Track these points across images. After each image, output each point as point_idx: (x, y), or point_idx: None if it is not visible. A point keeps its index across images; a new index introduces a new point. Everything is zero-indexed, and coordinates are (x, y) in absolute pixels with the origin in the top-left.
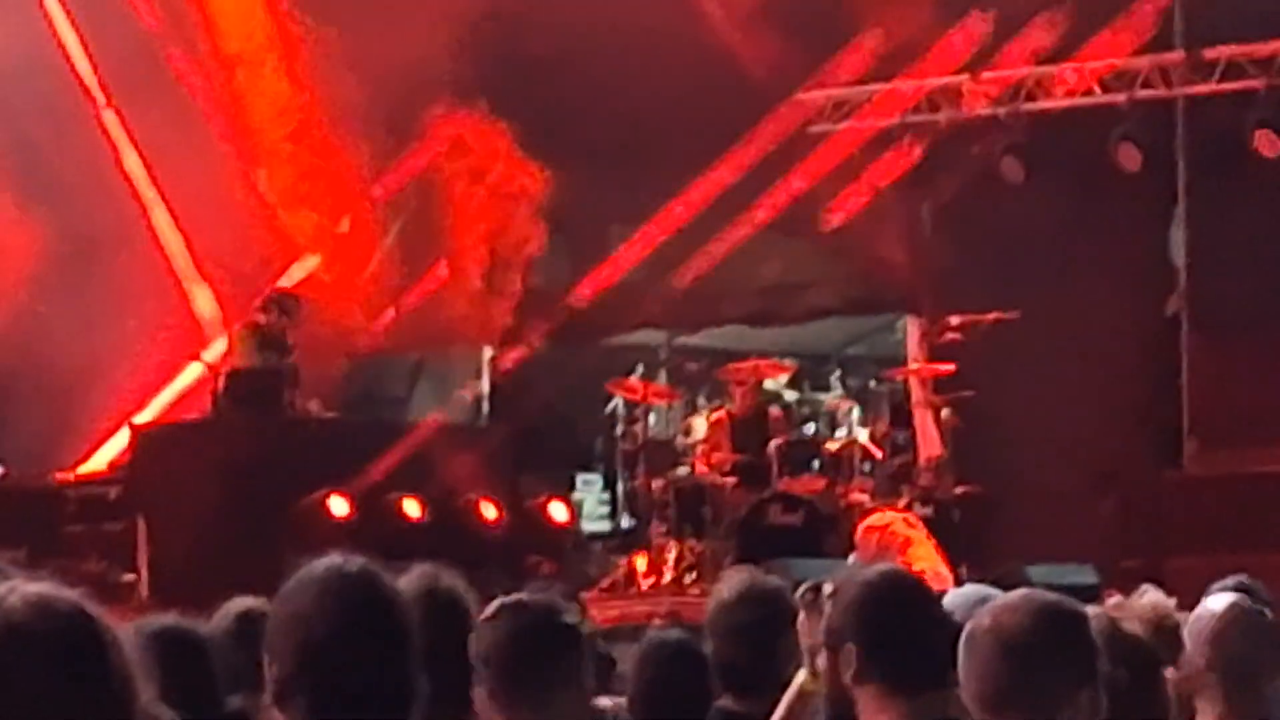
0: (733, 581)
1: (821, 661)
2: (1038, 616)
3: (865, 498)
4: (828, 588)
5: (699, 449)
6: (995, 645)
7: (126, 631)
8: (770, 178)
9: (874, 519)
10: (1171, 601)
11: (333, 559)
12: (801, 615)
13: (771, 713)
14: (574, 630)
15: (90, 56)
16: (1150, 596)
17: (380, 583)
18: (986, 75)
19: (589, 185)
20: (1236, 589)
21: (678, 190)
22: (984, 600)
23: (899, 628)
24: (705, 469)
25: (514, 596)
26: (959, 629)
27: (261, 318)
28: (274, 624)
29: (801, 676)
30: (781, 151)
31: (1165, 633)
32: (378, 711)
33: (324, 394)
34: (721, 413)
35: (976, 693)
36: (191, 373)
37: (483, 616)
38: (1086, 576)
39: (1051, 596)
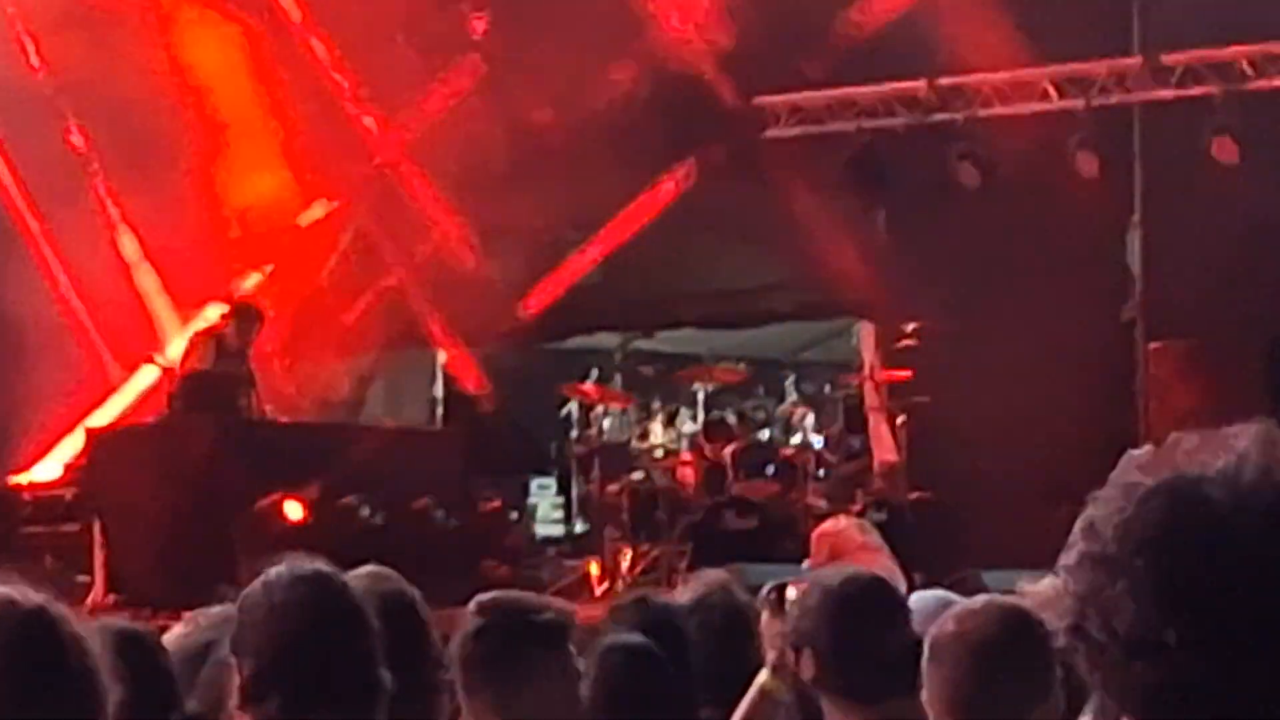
0: (693, 586)
1: (786, 661)
2: (1004, 622)
3: (820, 502)
4: (791, 590)
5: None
6: (963, 651)
7: (92, 632)
8: (726, 182)
9: (827, 524)
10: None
11: (297, 562)
12: (765, 616)
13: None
14: (560, 626)
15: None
16: (1048, 579)
17: (344, 584)
18: (943, 81)
19: (543, 189)
20: None
21: (633, 194)
22: (945, 605)
23: (860, 635)
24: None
25: (493, 595)
26: (919, 634)
27: (221, 325)
28: (242, 625)
29: (763, 677)
30: (738, 155)
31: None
32: (346, 708)
33: (278, 398)
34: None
35: (942, 699)
36: (147, 375)
37: (470, 612)
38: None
39: (1013, 602)
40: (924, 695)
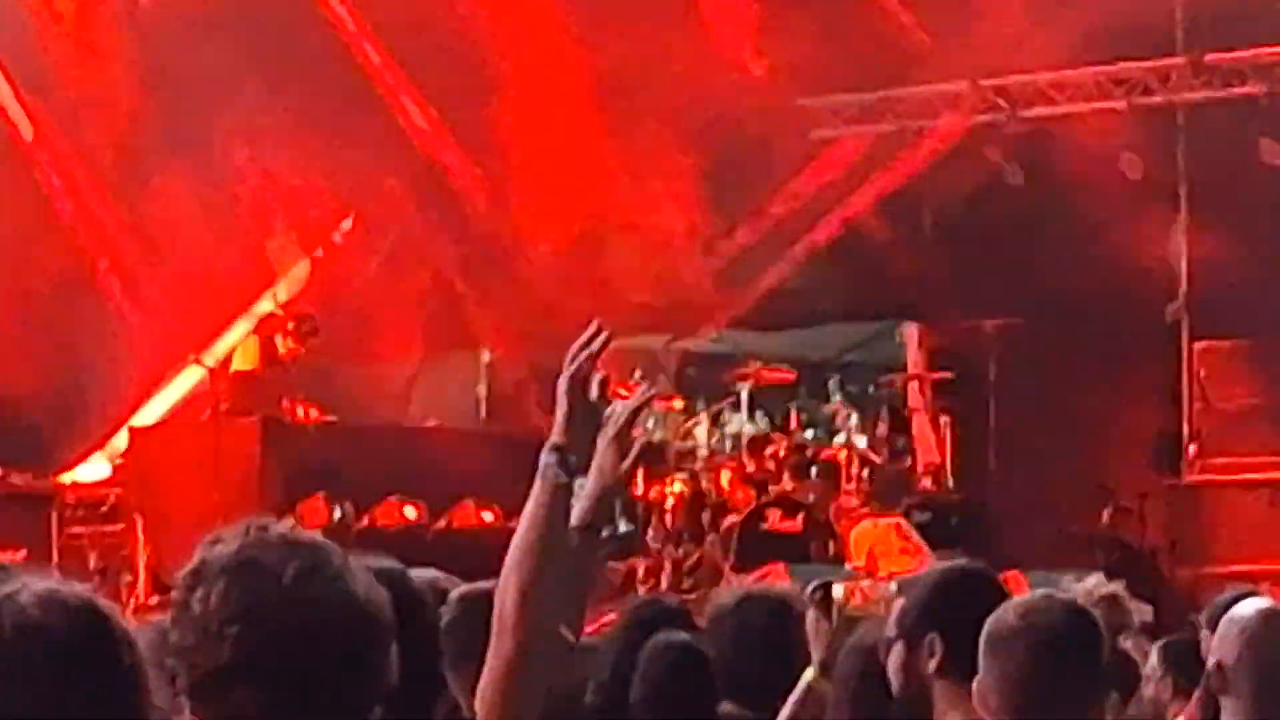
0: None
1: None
2: (1066, 617)
3: (863, 504)
4: (837, 589)
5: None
6: (1027, 644)
7: (141, 629)
8: (773, 183)
9: (866, 525)
10: (1114, 584)
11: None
12: (810, 614)
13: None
14: None
15: None
16: (1093, 578)
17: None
18: (988, 82)
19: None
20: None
21: (679, 195)
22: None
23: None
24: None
25: (472, 586)
26: None
27: (270, 325)
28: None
29: (809, 674)
30: (783, 157)
31: (1114, 604)
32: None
33: (322, 398)
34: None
35: (1002, 691)
36: (192, 375)
37: (450, 603)
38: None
39: (1072, 598)
40: (976, 687)
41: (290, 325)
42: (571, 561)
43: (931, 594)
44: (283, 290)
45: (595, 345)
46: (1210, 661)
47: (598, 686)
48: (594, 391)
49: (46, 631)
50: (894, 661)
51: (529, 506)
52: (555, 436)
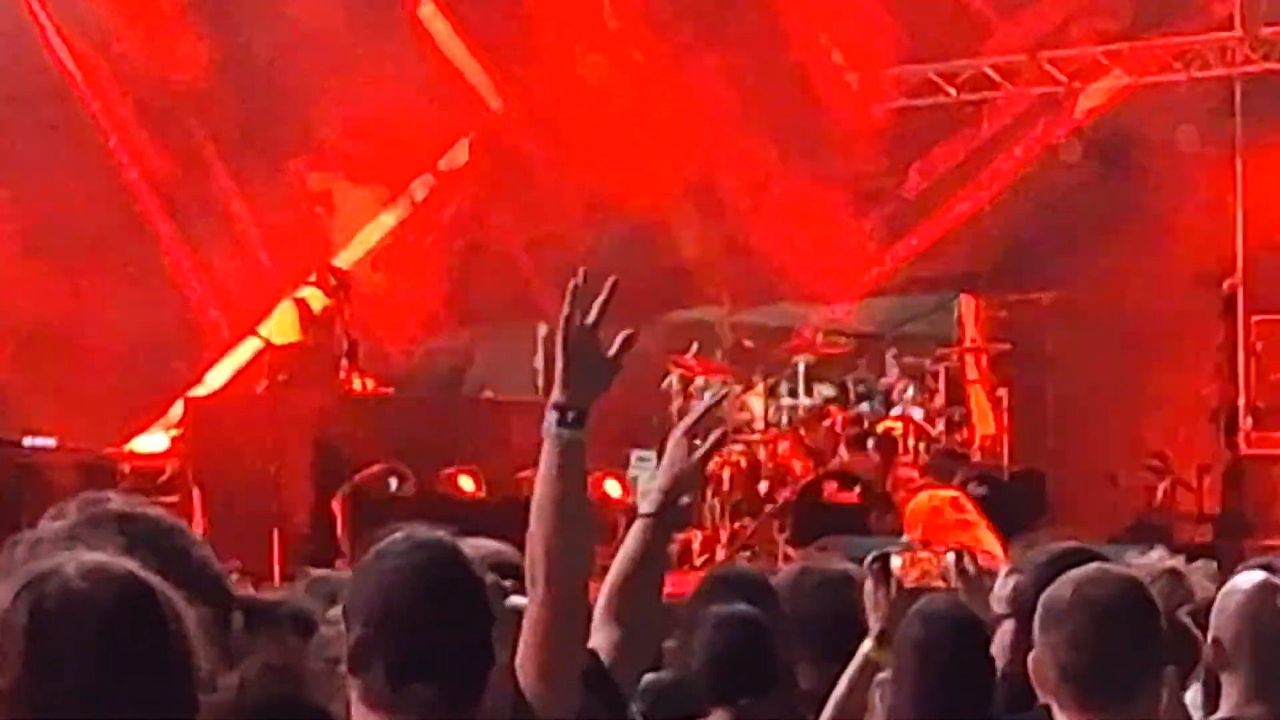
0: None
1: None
2: (1123, 591)
3: (920, 477)
4: (895, 560)
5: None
6: (1084, 617)
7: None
8: (831, 154)
9: (922, 499)
10: (1176, 559)
11: (412, 531)
12: (868, 585)
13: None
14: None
15: None
16: (1156, 552)
17: (457, 551)
18: (1047, 54)
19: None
20: (1264, 567)
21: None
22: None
23: None
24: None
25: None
26: None
27: (310, 293)
28: (354, 591)
29: (867, 646)
30: (842, 128)
31: (1175, 578)
32: (452, 677)
33: (379, 369)
34: None
35: (1057, 664)
36: (249, 346)
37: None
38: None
39: (1130, 572)
40: (1032, 661)
41: (313, 278)
42: (635, 546)
43: (1048, 573)
44: (341, 260)
45: (605, 293)
46: (1209, 637)
47: (670, 652)
48: (614, 348)
49: (92, 604)
50: (1003, 639)
51: (540, 469)
52: (555, 394)
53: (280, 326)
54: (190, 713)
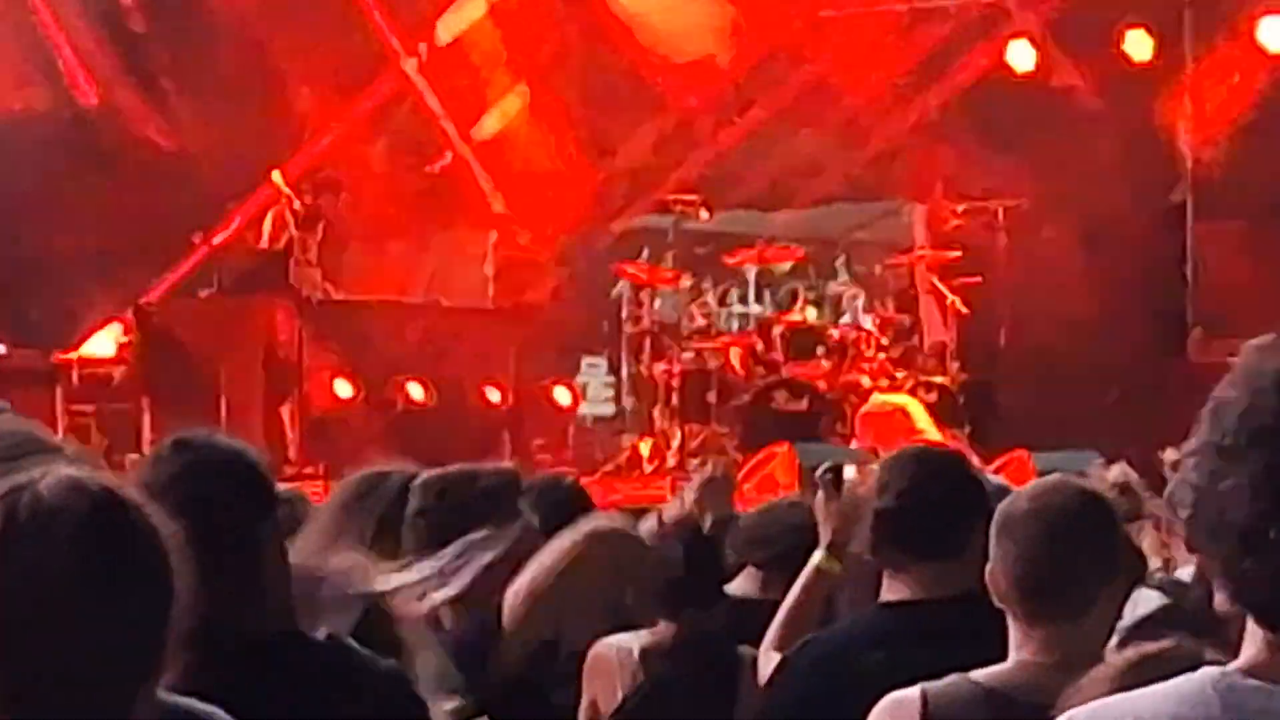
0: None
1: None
2: (1079, 500)
3: (870, 383)
4: (849, 470)
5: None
6: (1037, 527)
7: (163, 518)
8: (781, 64)
9: (875, 403)
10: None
11: None
12: (820, 495)
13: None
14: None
15: None
16: (1118, 467)
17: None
18: None
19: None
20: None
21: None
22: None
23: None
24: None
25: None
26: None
27: (294, 199)
28: None
29: (818, 556)
30: (792, 38)
31: (1128, 493)
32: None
33: (330, 275)
34: None
35: (1011, 574)
36: (199, 253)
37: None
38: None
39: (1086, 482)
40: (989, 571)
41: (307, 186)
42: None
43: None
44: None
45: None
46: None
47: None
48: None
49: (65, 515)
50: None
51: None
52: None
53: (250, 230)
54: (163, 627)
